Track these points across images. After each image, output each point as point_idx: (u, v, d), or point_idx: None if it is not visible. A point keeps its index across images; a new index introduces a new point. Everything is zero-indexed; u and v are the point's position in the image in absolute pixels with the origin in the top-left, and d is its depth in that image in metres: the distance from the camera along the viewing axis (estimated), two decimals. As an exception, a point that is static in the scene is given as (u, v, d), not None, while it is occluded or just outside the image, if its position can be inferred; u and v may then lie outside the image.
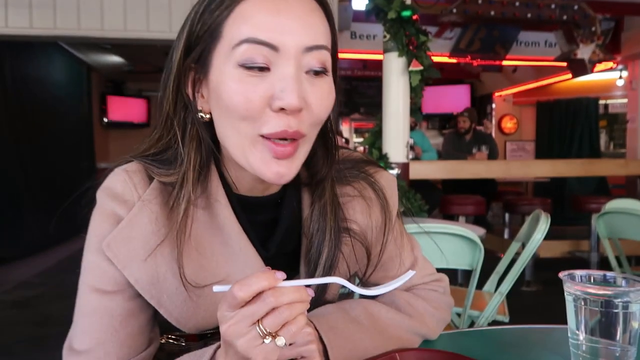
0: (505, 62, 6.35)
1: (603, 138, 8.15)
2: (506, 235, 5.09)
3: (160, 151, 0.71)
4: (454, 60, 6.02)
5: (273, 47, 0.60)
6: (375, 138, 3.74)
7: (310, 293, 0.53)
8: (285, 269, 0.54)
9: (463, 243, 1.83)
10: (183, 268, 0.65)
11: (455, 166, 4.34)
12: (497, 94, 8.80)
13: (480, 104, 9.10)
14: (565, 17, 4.52)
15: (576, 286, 0.65)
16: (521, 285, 4.25)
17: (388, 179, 0.82)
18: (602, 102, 7.86)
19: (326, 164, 0.73)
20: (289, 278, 0.53)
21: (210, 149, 0.69)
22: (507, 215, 5.13)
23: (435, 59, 3.87)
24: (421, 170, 3.93)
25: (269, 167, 0.62)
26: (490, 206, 5.88)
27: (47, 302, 3.99)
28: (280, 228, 0.73)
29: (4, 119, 5.42)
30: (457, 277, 3.79)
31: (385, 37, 3.55)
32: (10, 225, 5.35)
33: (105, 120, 8.73)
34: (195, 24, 0.64)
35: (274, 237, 0.72)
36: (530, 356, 0.78)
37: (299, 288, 0.52)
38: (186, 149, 0.67)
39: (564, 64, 5.08)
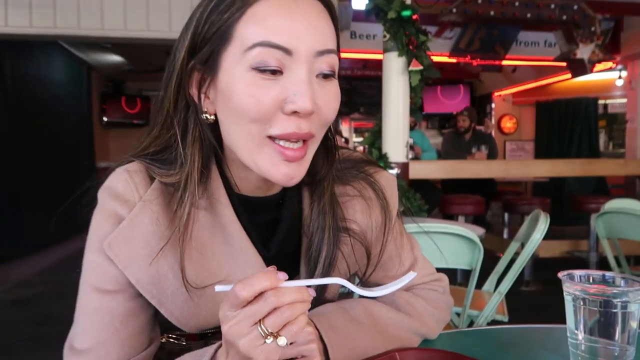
0: (504, 62, 6.35)
1: (602, 138, 8.16)
2: (505, 235, 5.09)
3: (160, 150, 0.71)
4: (453, 60, 6.02)
5: (287, 51, 0.60)
6: (375, 138, 3.74)
7: (312, 293, 0.54)
8: (286, 269, 0.55)
9: (462, 243, 1.84)
10: (184, 270, 0.66)
11: (454, 166, 4.34)
12: (496, 93, 8.80)
13: (480, 104, 9.10)
14: (564, 17, 4.52)
15: (575, 286, 0.65)
16: (520, 285, 4.26)
17: (388, 179, 0.82)
18: (601, 102, 7.87)
19: (326, 164, 0.73)
20: (290, 278, 0.53)
21: (212, 150, 0.69)
22: (506, 215, 5.13)
23: (435, 58, 3.87)
24: (421, 170, 3.93)
25: (278, 169, 0.63)
26: (490, 206, 5.89)
27: (47, 301, 3.99)
28: (281, 228, 0.73)
29: (4, 118, 5.42)
30: (456, 277, 3.80)
31: (385, 36, 3.55)
32: (10, 224, 5.35)
33: (105, 119, 8.73)
34: (201, 25, 0.64)
35: (275, 237, 0.73)
36: (530, 356, 0.78)
37: (300, 288, 0.52)
38: (189, 150, 0.67)
39: (564, 63, 5.08)
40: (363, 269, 0.80)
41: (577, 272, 0.68)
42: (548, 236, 1.95)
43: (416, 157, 4.59)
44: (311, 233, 0.73)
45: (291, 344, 0.54)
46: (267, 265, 0.60)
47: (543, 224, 1.85)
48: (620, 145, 7.78)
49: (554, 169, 4.56)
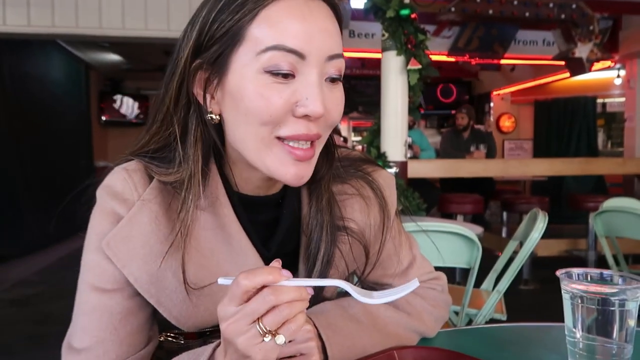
0: (503, 61, 6.35)
1: (601, 137, 8.16)
2: (504, 234, 5.10)
3: (159, 148, 0.70)
4: (452, 59, 6.02)
5: (300, 55, 0.60)
6: (373, 137, 3.74)
7: (310, 291, 0.54)
8: (285, 268, 0.55)
9: (461, 241, 1.84)
10: (185, 271, 0.66)
11: (453, 165, 4.34)
12: (495, 92, 8.80)
13: (479, 103, 9.11)
14: (563, 16, 4.53)
15: (573, 284, 0.65)
16: (519, 283, 4.26)
17: (386, 178, 0.82)
18: (599, 100, 7.88)
19: (326, 163, 0.74)
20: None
21: (212, 150, 0.69)
22: (505, 214, 5.14)
23: (434, 57, 3.87)
24: (419, 169, 3.94)
25: (287, 169, 0.63)
26: (488, 205, 5.89)
27: (47, 301, 3.99)
28: (281, 227, 0.73)
29: (3, 117, 5.41)
30: (455, 276, 3.80)
31: (383, 35, 3.55)
32: (9, 224, 5.34)
33: (104, 118, 8.73)
34: (209, 23, 0.63)
35: (275, 237, 0.73)
36: (528, 354, 0.78)
37: (299, 287, 0.52)
38: (191, 151, 0.66)
39: (562, 62, 5.09)
40: (361, 267, 0.80)
41: (575, 270, 0.68)
42: (546, 235, 1.95)
43: (415, 156, 4.59)
44: (310, 231, 0.73)
45: (290, 342, 0.54)
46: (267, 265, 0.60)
47: (541, 223, 1.85)
48: (618, 144, 7.79)
49: (553, 167, 4.57)
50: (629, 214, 2.44)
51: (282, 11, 0.60)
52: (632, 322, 0.63)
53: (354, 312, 0.75)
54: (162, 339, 0.76)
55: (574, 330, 0.66)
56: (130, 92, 9.05)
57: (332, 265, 0.74)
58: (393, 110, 3.59)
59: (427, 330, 0.81)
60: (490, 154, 5.34)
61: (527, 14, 4.46)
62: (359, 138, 9.05)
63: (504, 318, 2.11)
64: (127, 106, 8.87)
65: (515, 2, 4.42)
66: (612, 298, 0.63)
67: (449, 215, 4.38)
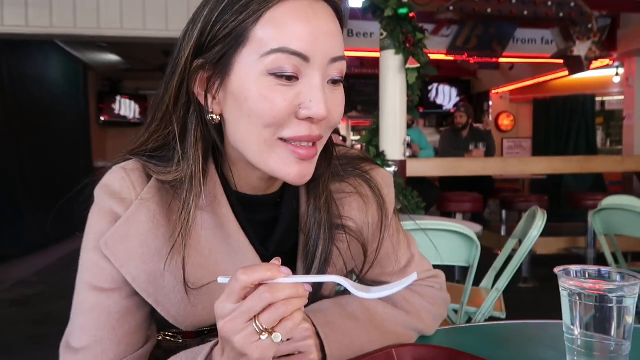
0: (502, 60, 6.36)
1: (599, 135, 8.18)
2: (503, 232, 5.10)
3: (157, 147, 0.70)
4: (451, 58, 6.02)
5: (304, 58, 0.60)
6: (372, 136, 3.74)
7: (308, 288, 0.54)
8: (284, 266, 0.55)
9: (460, 240, 1.84)
10: (185, 271, 0.66)
11: (452, 164, 4.34)
12: (494, 91, 8.81)
13: (477, 102, 9.12)
14: (561, 14, 4.53)
15: (571, 281, 0.65)
16: (518, 281, 4.27)
17: (384, 176, 0.82)
18: (598, 99, 7.89)
19: (324, 162, 0.74)
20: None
21: (212, 149, 0.69)
22: (504, 212, 5.14)
23: (432, 56, 3.87)
24: (418, 168, 3.94)
25: (291, 169, 0.63)
26: (488, 203, 5.90)
27: (47, 301, 3.99)
28: (279, 226, 0.73)
29: (2, 118, 5.41)
30: (454, 274, 3.80)
31: (382, 34, 3.55)
32: (9, 224, 5.34)
33: (102, 119, 8.72)
34: (211, 24, 0.63)
35: (273, 236, 0.73)
36: (526, 352, 0.78)
37: (296, 284, 0.52)
38: (191, 151, 0.66)
39: (561, 61, 5.09)
40: (360, 265, 0.80)
41: (573, 268, 0.68)
42: (546, 233, 1.95)
43: (414, 155, 4.59)
44: (308, 230, 0.73)
45: (288, 340, 0.54)
46: None
47: (540, 221, 1.85)
48: (617, 142, 7.80)
49: (552, 166, 4.57)
50: (628, 212, 2.45)
51: (286, 13, 0.60)
52: (629, 319, 0.63)
53: (352, 310, 0.75)
54: (160, 338, 0.76)
55: (572, 327, 0.66)
56: (128, 93, 9.05)
57: (330, 264, 0.74)
58: (392, 109, 3.59)
59: (425, 328, 0.82)
60: (489, 153, 5.34)
61: (525, 13, 4.46)
62: (358, 137, 9.05)
63: (503, 316, 2.11)
64: (127, 108, 8.87)
65: (514, 1, 4.42)
66: (609, 295, 0.63)
67: (448, 214, 4.38)
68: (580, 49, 4.71)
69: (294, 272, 0.74)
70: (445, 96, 9.22)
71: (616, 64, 6.24)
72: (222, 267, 0.69)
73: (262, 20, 0.60)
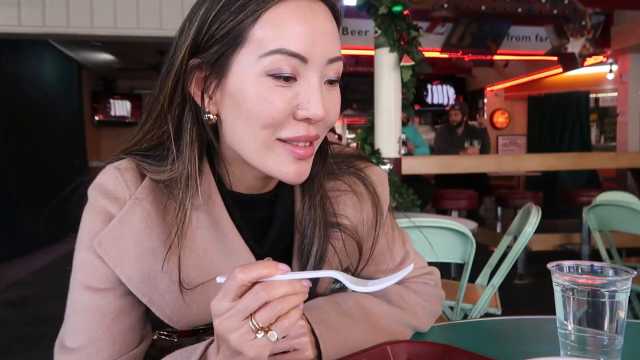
0: (496, 57, 6.38)
1: (594, 131, 8.21)
2: (498, 229, 5.12)
3: (152, 146, 0.70)
4: (445, 56, 6.03)
5: (303, 59, 0.60)
6: (367, 134, 3.75)
7: (307, 284, 0.54)
8: None
9: (455, 237, 1.85)
10: (181, 271, 0.66)
11: (447, 161, 4.36)
12: (488, 88, 8.83)
13: (472, 99, 9.14)
14: (555, 12, 4.54)
15: (564, 276, 0.66)
16: (513, 278, 4.29)
17: (379, 174, 0.83)
18: (592, 95, 7.92)
19: (319, 160, 0.74)
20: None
21: (207, 149, 0.69)
22: (499, 209, 5.16)
23: (427, 54, 3.89)
24: (414, 166, 3.95)
25: (289, 168, 0.63)
26: (483, 200, 5.92)
27: (42, 302, 3.97)
28: (275, 225, 0.73)
29: (-4, 118, 5.39)
30: (450, 271, 3.82)
31: (376, 32, 3.55)
32: (3, 225, 5.32)
33: (97, 118, 8.69)
34: (208, 23, 0.62)
35: (268, 235, 0.73)
36: (521, 347, 0.79)
37: (293, 281, 0.52)
38: (187, 151, 0.66)
39: (555, 58, 5.11)
40: (355, 263, 0.80)
41: (566, 263, 0.69)
42: (541, 230, 1.96)
43: (409, 153, 4.60)
44: (303, 228, 0.74)
45: (283, 337, 0.54)
46: None
47: (535, 217, 1.86)
48: (611, 138, 7.83)
49: (546, 162, 4.59)
50: (622, 208, 2.46)
51: (285, 14, 0.60)
52: (622, 314, 0.64)
53: (347, 307, 0.75)
54: (155, 337, 0.76)
55: (565, 322, 0.66)
56: (123, 92, 9.02)
57: (325, 262, 0.74)
58: (386, 107, 3.59)
59: (420, 324, 0.82)
60: (485, 150, 5.36)
61: (519, 10, 4.47)
62: (353, 135, 9.06)
63: (499, 312, 2.12)
64: (122, 108, 8.84)
65: (508, -2, 4.44)
66: (602, 289, 0.63)
67: (443, 211, 4.39)
68: (574, 46, 4.73)
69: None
70: (442, 94, 9.22)
71: (610, 60, 6.27)
72: (217, 266, 0.69)
73: (261, 20, 0.60)
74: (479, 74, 8.76)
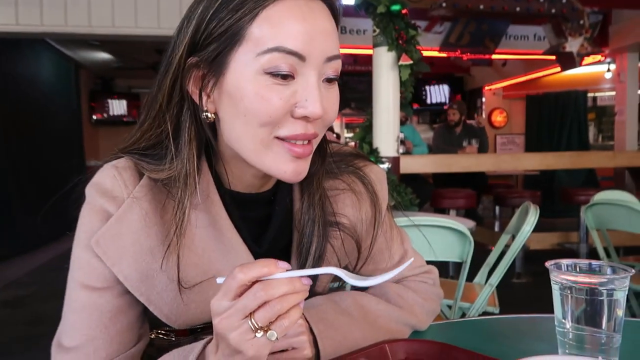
0: (494, 56, 6.37)
1: (592, 130, 8.23)
2: (496, 228, 5.13)
3: (150, 145, 0.70)
4: (444, 55, 6.03)
5: (300, 57, 0.60)
6: (365, 133, 3.74)
7: (307, 282, 0.53)
8: None
9: (453, 235, 1.85)
10: (180, 270, 0.65)
11: (446, 160, 4.36)
12: (487, 87, 8.84)
13: (471, 98, 9.14)
14: (553, 11, 4.55)
15: (562, 275, 0.66)
16: (511, 277, 4.29)
17: (377, 173, 0.83)
18: (590, 94, 7.93)
19: (318, 159, 0.74)
20: None
21: (205, 148, 0.69)
22: (497, 208, 5.17)
23: (425, 53, 3.87)
24: (412, 165, 3.95)
25: (287, 167, 0.63)
26: (481, 199, 5.92)
27: (40, 301, 3.96)
28: (273, 224, 0.73)
29: (-6, 117, 5.38)
30: (448, 270, 3.82)
31: (374, 31, 3.54)
32: (3, 224, 5.31)
33: (95, 117, 8.67)
34: (206, 22, 0.62)
35: (267, 234, 0.73)
36: (519, 345, 0.79)
37: (292, 280, 0.52)
38: (185, 149, 0.66)
39: (553, 57, 5.11)
40: (353, 262, 0.80)
41: (564, 262, 0.69)
42: (539, 228, 1.96)
43: (407, 152, 4.60)
44: (302, 227, 0.74)
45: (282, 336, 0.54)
46: None
47: (533, 216, 1.86)
48: (609, 137, 7.85)
49: (544, 161, 4.60)
50: (620, 207, 2.46)
51: (283, 12, 0.60)
52: (620, 312, 0.64)
53: (346, 306, 0.75)
54: (153, 336, 0.76)
55: (563, 320, 0.66)
56: (121, 91, 9.00)
57: (324, 261, 0.74)
58: (385, 106, 3.59)
59: (418, 323, 0.82)
60: (483, 149, 5.36)
61: (517, 9, 4.48)
62: (351, 134, 9.06)
63: (497, 311, 2.12)
64: (120, 107, 8.83)
65: (506, -3, 4.44)
66: (600, 288, 0.63)
67: (441, 210, 4.40)
68: (572, 45, 4.74)
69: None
70: (440, 94, 9.22)
71: (608, 59, 6.27)
72: (215, 265, 0.69)
73: (258, 18, 0.60)
74: (477, 73, 8.76)
